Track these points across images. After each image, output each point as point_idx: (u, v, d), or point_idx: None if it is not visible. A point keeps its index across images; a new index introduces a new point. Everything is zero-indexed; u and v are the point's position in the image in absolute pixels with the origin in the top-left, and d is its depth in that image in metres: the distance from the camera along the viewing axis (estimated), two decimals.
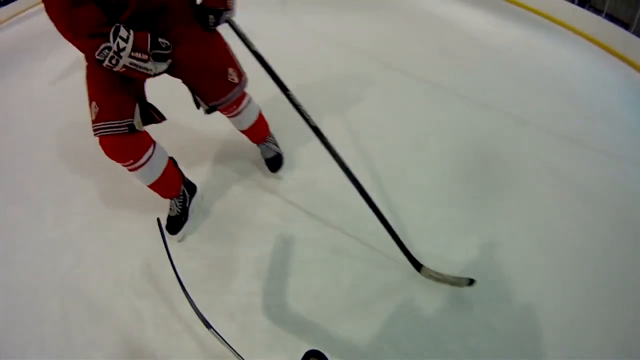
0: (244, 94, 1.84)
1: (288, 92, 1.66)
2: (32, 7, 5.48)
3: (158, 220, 1.69)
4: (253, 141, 2.15)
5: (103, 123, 1.48)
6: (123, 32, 1.33)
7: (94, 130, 1.50)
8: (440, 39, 4.09)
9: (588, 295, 1.67)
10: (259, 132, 2.10)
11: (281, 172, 2.18)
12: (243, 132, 2.04)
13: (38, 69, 3.54)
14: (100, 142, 1.52)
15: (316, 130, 1.64)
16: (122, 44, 1.32)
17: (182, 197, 1.89)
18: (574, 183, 2.18)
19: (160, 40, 1.43)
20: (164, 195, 1.83)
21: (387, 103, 2.84)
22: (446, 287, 1.62)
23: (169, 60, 1.49)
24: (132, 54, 1.35)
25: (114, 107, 1.49)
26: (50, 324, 1.60)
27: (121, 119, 1.49)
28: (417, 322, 1.55)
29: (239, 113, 1.87)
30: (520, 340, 1.51)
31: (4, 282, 1.77)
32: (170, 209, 1.89)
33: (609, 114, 3.01)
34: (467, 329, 1.53)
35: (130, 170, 1.62)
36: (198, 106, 1.77)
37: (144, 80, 1.61)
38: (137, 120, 1.53)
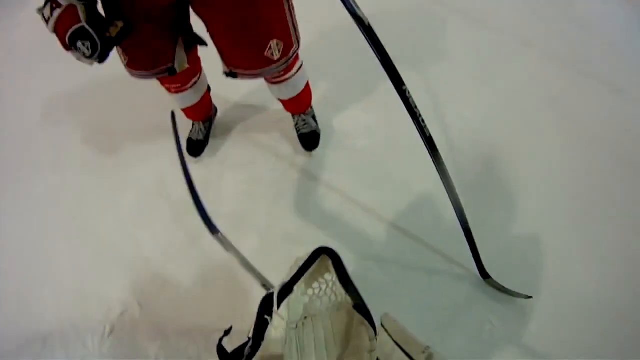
0: (293, 63, 1.46)
1: (404, 88, 1.02)
2: None
3: (172, 113, 1.58)
4: (289, 110, 1.80)
5: (136, 72, 1.38)
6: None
7: (130, 75, 1.40)
8: None
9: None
10: (300, 103, 1.75)
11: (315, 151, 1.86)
12: (279, 99, 1.71)
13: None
14: None
15: (430, 142, 1.11)
16: (46, 14, 1.07)
17: (208, 123, 1.92)
18: (572, 115, 1.92)
19: (80, 43, 1.07)
20: (193, 118, 1.85)
21: None
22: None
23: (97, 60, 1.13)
24: (54, 32, 1.09)
25: (147, 58, 1.35)
26: (60, 264, 1.68)
27: (156, 68, 1.37)
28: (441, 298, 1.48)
29: (281, 82, 1.54)
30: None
31: (13, 231, 1.83)
32: (192, 132, 1.90)
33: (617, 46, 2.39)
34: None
35: (174, 92, 1.61)
36: None
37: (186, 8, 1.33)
38: (179, 61, 1.39)
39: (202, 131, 1.89)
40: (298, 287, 0.69)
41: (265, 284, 1.01)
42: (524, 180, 1.70)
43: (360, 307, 0.68)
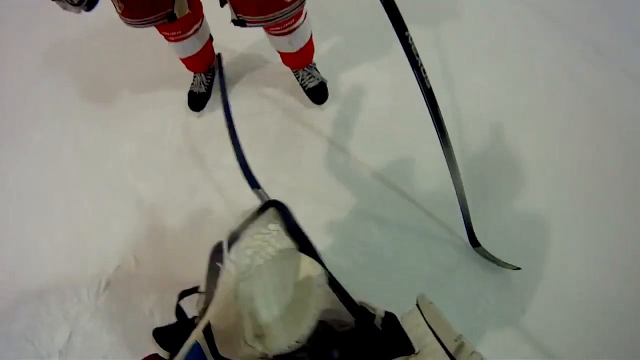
0: (301, 9, 1.35)
1: (406, 34, 0.90)
2: None
3: (219, 55, 1.53)
4: (293, 66, 1.70)
5: (132, 20, 1.29)
6: None
7: (126, 24, 1.31)
8: None
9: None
10: (306, 55, 1.64)
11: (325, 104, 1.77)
12: (284, 53, 1.59)
13: None
14: None
15: (430, 95, 0.99)
16: None
17: (210, 74, 1.81)
18: (591, 102, 1.79)
19: None
20: (194, 69, 1.75)
21: None
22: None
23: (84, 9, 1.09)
24: None
25: (143, 5, 1.26)
26: (56, 213, 1.63)
27: (155, 14, 1.28)
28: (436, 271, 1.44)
29: (290, 32, 1.41)
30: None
31: (14, 186, 1.76)
32: (193, 84, 1.80)
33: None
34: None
35: (174, 40, 1.50)
36: (222, 3, 1.29)
37: None
38: (179, 6, 1.30)
39: (204, 83, 1.78)
40: (244, 240, 0.69)
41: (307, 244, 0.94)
42: (532, 160, 1.61)
43: (307, 249, 0.71)
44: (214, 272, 0.70)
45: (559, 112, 1.73)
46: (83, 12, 1.10)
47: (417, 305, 0.68)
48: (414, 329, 0.63)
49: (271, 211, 0.73)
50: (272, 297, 0.64)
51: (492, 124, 1.69)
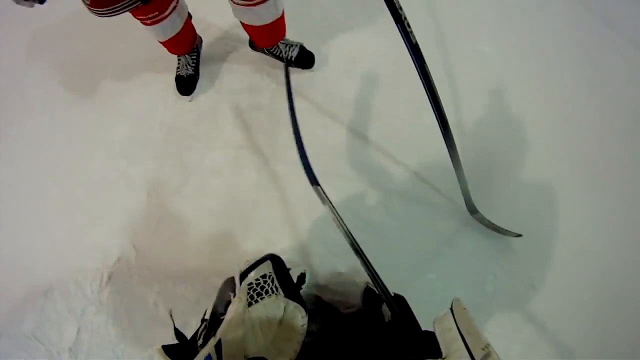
0: None
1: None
2: None
3: (286, 64, 1.52)
4: (273, 40, 1.58)
5: (103, 10, 1.21)
6: None
7: (97, 15, 1.23)
8: None
9: None
10: (280, 29, 1.53)
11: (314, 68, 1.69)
12: (256, 29, 1.46)
13: None
14: None
15: (416, 51, 0.93)
16: None
17: (195, 54, 1.71)
18: (597, 70, 1.74)
19: None
20: (178, 52, 1.65)
21: None
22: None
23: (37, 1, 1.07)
24: None
25: None
26: (52, 207, 1.59)
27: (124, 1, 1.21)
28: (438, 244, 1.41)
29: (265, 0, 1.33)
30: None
31: (7, 183, 1.70)
32: (179, 68, 1.70)
33: None
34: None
35: (151, 23, 1.41)
36: None
37: None
38: None
39: (190, 64, 1.69)
40: (246, 282, 0.85)
41: (354, 244, 0.95)
42: (537, 130, 1.57)
43: (293, 295, 0.85)
44: (223, 299, 0.84)
45: (565, 82, 1.68)
46: (37, 6, 1.05)
47: (451, 308, 0.70)
48: (445, 333, 0.65)
49: (268, 262, 0.90)
50: (259, 333, 0.76)
51: (495, 91, 1.63)
